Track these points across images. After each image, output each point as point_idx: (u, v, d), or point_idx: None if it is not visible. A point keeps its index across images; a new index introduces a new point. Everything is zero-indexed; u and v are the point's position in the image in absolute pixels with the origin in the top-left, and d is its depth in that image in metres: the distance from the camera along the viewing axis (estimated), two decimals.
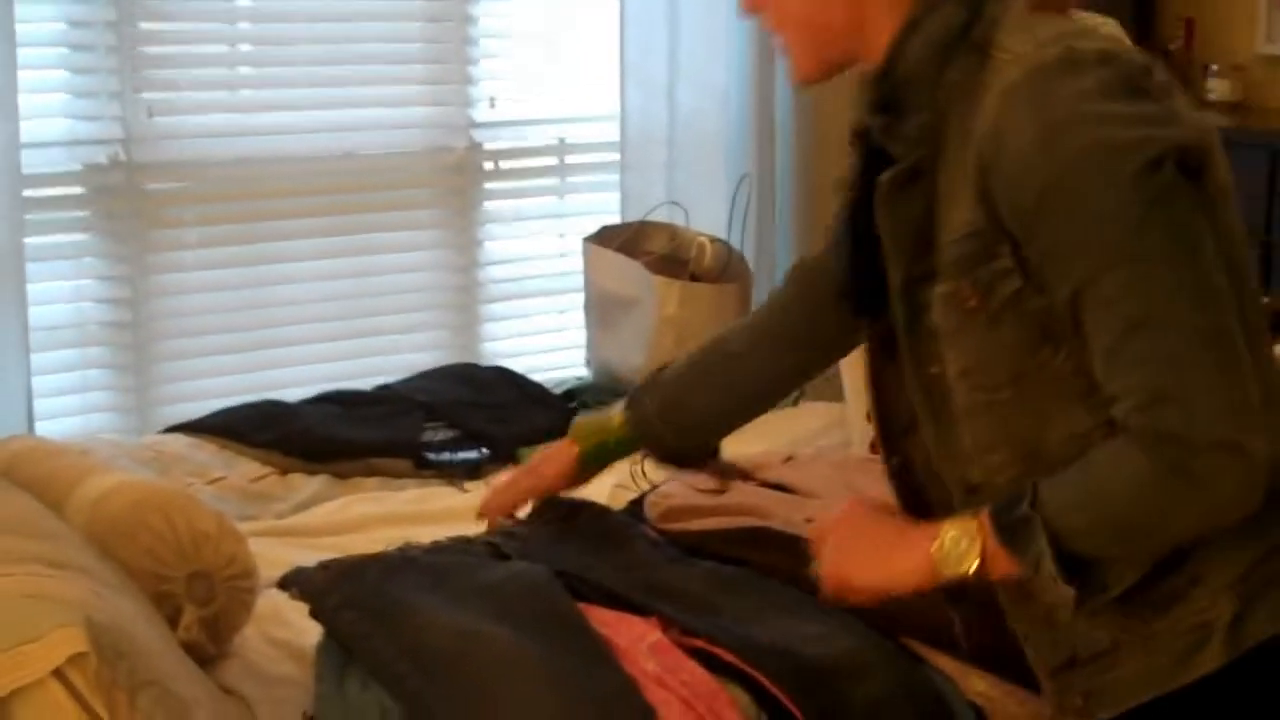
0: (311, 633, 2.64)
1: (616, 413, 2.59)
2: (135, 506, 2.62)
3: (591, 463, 2.62)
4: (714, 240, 4.21)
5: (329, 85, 4.75)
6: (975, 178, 1.81)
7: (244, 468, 3.62)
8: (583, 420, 2.64)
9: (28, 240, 4.11)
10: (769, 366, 2.46)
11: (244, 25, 4.77)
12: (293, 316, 4.73)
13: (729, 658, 2.35)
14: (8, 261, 4.04)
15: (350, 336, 4.81)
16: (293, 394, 4.25)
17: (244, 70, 4.78)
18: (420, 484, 3.59)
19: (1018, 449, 1.89)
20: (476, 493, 3.46)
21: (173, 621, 2.58)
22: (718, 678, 2.33)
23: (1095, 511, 1.80)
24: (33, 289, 4.15)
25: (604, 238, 4.31)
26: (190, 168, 4.53)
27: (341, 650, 2.42)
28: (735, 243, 4.47)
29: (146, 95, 4.40)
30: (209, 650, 2.63)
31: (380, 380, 4.32)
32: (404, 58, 4.87)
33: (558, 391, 4.19)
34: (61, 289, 4.39)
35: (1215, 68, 5.40)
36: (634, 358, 4.07)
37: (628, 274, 4.10)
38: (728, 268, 4.14)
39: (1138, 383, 1.74)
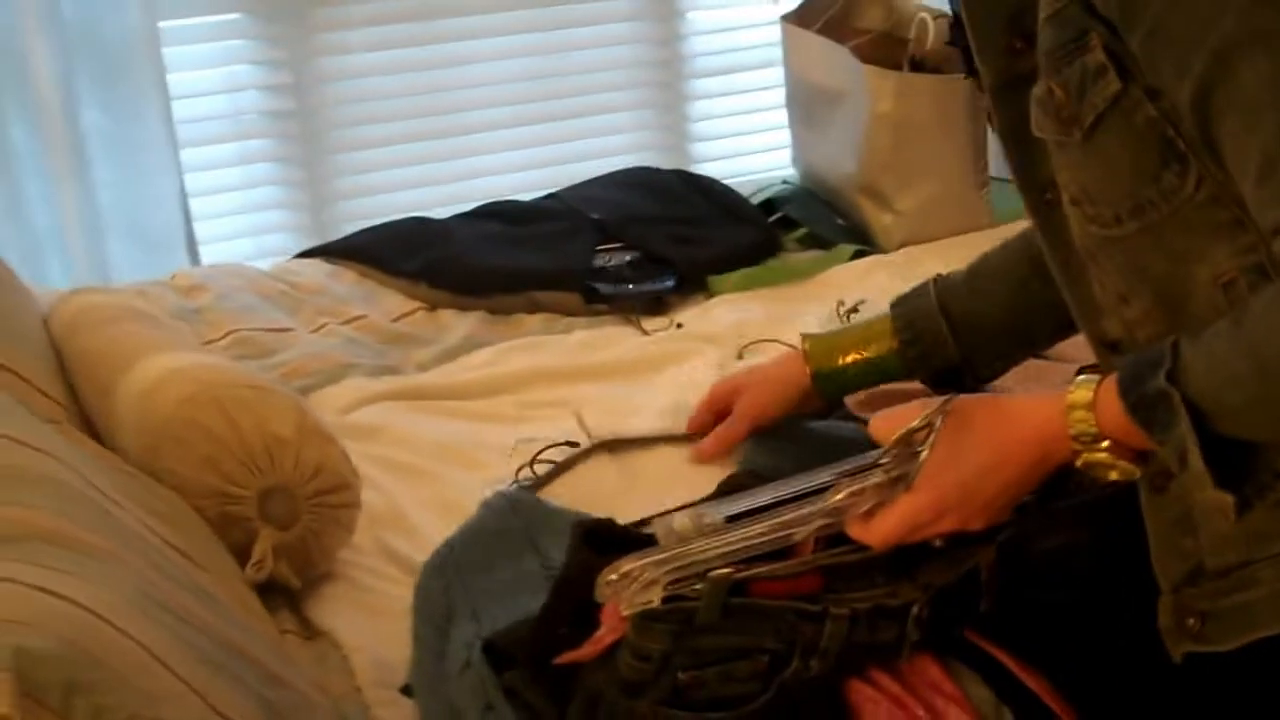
0: (436, 543, 1.99)
1: (859, 328, 1.95)
2: (186, 403, 1.96)
3: (828, 389, 1.98)
4: (938, 15, 3.37)
5: None
6: None
7: (387, 303, 2.96)
8: (820, 337, 1.97)
9: (165, 25, 3.48)
10: None
11: None
12: (477, 99, 4.03)
13: (971, 635, 1.60)
14: (140, 47, 3.40)
15: (541, 120, 4.11)
16: (486, 184, 3.76)
17: None
18: (591, 323, 2.89)
19: (1155, 299, 1.43)
20: (658, 338, 2.79)
21: (245, 550, 1.95)
22: (947, 663, 1.58)
23: (1257, 384, 1.29)
24: (177, 79, 3.53)
25: (806, 14, 3.49)
26: None
27: (445, 599, 1.77)
28: None
29: None
30: (294, 583, 2.00)
31: (576, 167, 3.74)
32: None
33: (756, 200, 3.43)
34: (211, 78, 3.73)
35: None
36: (845, 162, 3.28)
37: (834, 61, 3.30)
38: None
39: None
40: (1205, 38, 1.25)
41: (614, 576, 1.47)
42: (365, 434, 2.43)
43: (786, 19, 3.51)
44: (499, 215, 3.27)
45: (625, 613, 1.46)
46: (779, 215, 3.33)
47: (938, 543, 1.50)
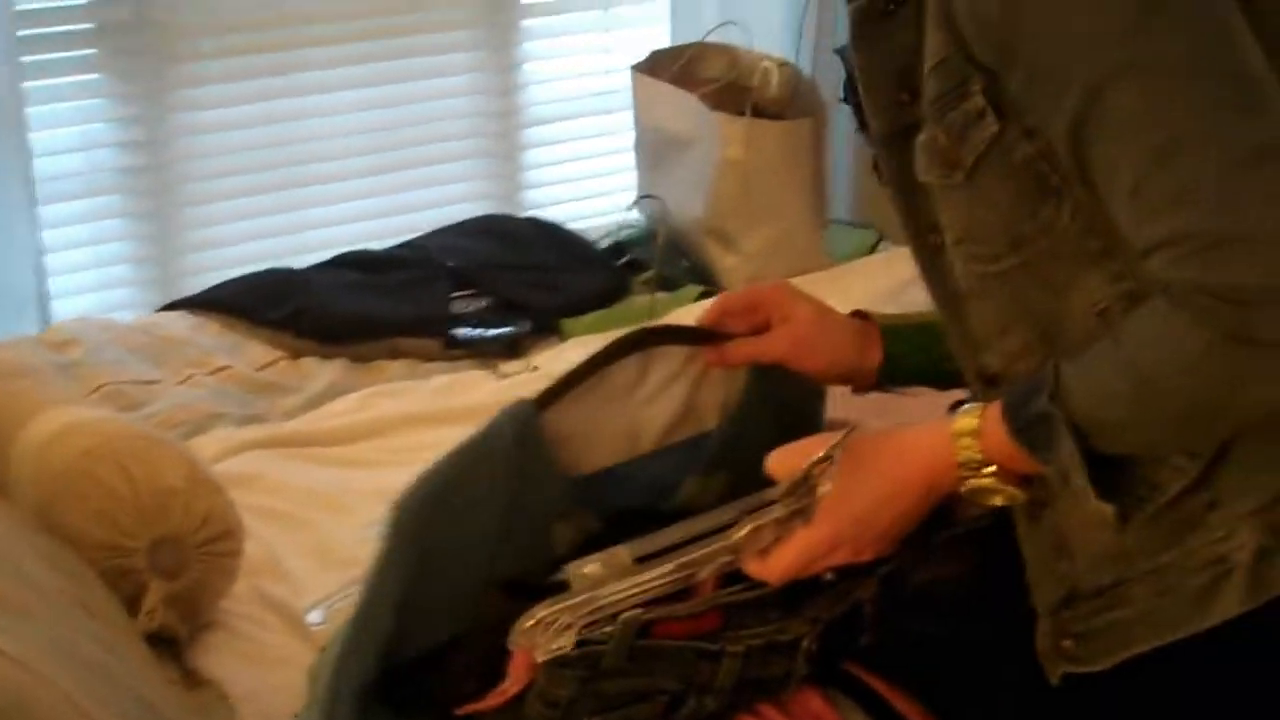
0: (312, 589, 2.03)
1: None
2: (83, 456, 1.98)
3: (886, 381, 1.75)
4: (781, 64, 3.47)
5: None
6: None
7: (251, 353, 2.97)
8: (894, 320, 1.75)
9: (29, 84, 3.46)
10: None
11: None
12: (324, 152, 4.00)
13: (851, 666, 1.65)
14: (6, 109, 3.37)
15: (386, 171, 4.09)
16: (330, 234, 3.70)
17: None
18: (449, 368, 2.94)
19: (1034, 330, 1.44)
20: (515, 380, 2.83)
21: (135, 603, 1.97)
22: (829, 694, 1.62)
23: (1136, 402, 1.32)
24: (37, 138, 3.49)
25: (655, 65, 3.58)
26: None
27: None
28: (805, 67, 3.69)
29: None
30: (181, 633, 2.02)
31: (419, 215, 3.73)
32: None
33: (604, 244, 3.50)
34: (69, 135, 3.69)
35: None
36: (692, 205, 3.35)
37: (683, 109, 3.38)
38: (798, 97, 3.41)
39: (1176, 228, 1.24)
40: (1078, 72, 1.27)
41: (530, 624, 1.44)
42: (237, 483, 2.42)
43: (637, 69, 3.58)
44: (356, 264, 3.30)
45: (540, 659, 1.44)
46: (627, 259, 3.40)
47: (829, 576, 1.52)
